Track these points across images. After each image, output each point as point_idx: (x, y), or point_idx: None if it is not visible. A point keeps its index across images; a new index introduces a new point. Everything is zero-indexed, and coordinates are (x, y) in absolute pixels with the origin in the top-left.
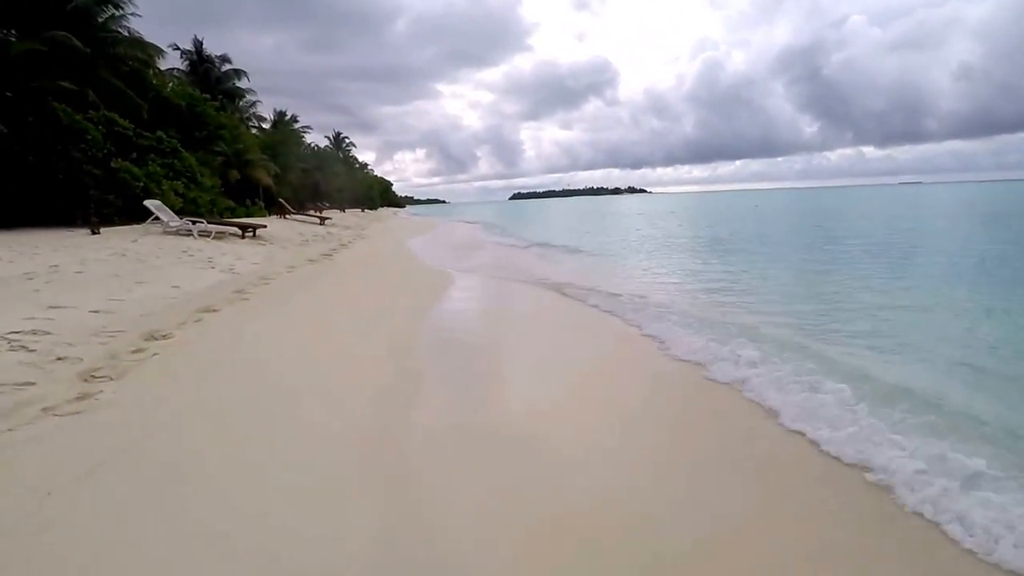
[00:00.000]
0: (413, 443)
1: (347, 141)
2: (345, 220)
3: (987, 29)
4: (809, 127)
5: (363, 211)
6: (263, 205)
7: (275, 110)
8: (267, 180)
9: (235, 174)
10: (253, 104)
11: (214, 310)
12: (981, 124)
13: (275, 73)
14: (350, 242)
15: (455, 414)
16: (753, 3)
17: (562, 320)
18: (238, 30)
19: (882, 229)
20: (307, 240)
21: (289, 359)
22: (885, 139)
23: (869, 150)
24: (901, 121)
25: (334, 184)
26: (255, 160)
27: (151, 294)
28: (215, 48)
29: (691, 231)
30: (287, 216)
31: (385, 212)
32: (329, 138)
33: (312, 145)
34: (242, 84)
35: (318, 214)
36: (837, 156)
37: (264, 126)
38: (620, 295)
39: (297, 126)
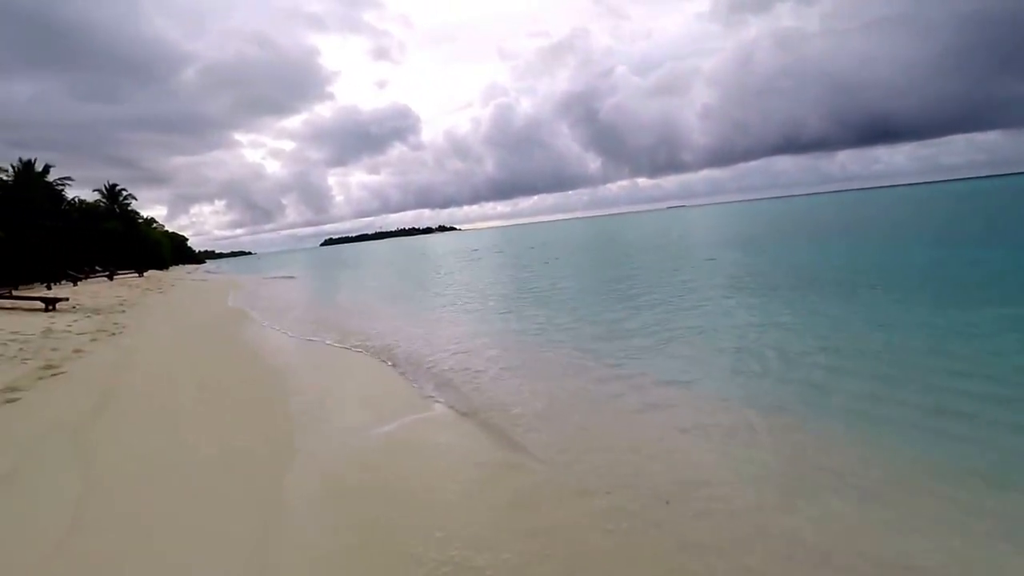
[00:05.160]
0: None
1: (125, 194)
2: (103, 294)
3: (718, 77)
4: (593, 162)
5: (140, 275)
6: None
7: (20, 159)
8: None
9: None
10: None
11: None
12: (725, 155)
13: (37, 124)
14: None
15: None
16: (537, 53)
17: None
18: None
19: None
20: None
21: None
22: (654, 170)
23: (642, 180)
24: (665, 154)
25: (103, 245)
26: None
27: None
28: None
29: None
30: None
31: (175, 273)
32: (101, 191)
33: (74, 200)
34: None
35: (40, 295)
36: (617, 187)
37: (3, 177)
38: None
39: (52, 178)
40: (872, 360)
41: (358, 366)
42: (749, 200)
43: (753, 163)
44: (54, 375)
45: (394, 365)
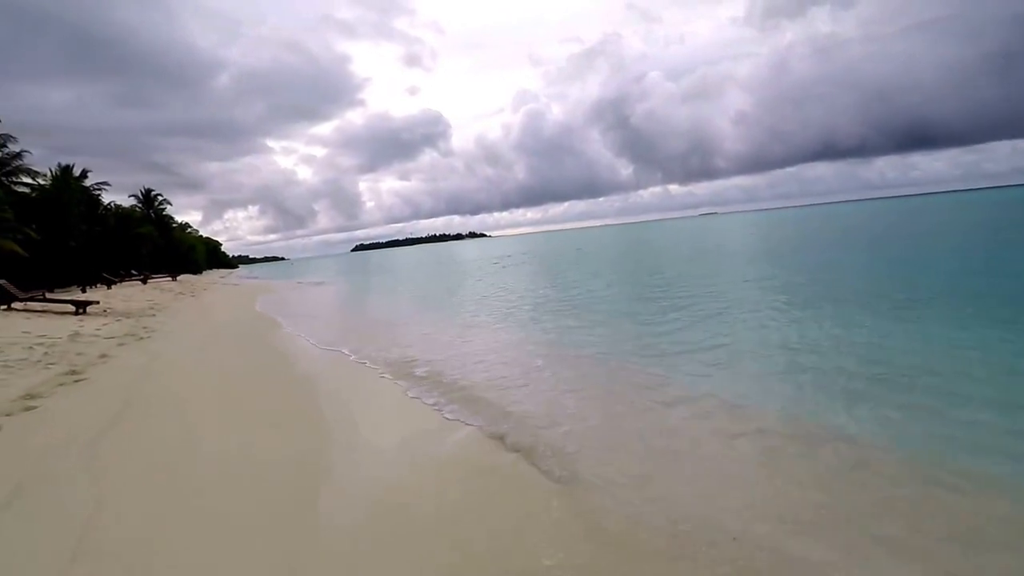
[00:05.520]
0: None
1: (160, 199)
2: (135, 297)
3: (753, 83)
4: (625, 169)
5: (173, 279)
6: None
7: (59, 164)
8: (13, 248)
9: None
10: (18, 155)
11: None
12: (758, 161)
13: (76, 130)
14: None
15: None
16: (568, 59)
17: None
18: (21, 83)
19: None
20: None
21: None
22: (686, 177)
23: (674, 187)
24: (698, 161)
25: (139, 249)
26: None
27: None
28: None
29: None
30: (9, 306)
31: (208, 277)
32: (137, 196)
33: (110, 205)
34: None
35: (71, 298)
36: (648, 194)
37: (41, 182)
38: None
39: (90, 182)
40: (949, 380)
41: (386, 384)
42: (783, 207)
43: (788, 170)
44: (76, 381)
45: (423, 381)
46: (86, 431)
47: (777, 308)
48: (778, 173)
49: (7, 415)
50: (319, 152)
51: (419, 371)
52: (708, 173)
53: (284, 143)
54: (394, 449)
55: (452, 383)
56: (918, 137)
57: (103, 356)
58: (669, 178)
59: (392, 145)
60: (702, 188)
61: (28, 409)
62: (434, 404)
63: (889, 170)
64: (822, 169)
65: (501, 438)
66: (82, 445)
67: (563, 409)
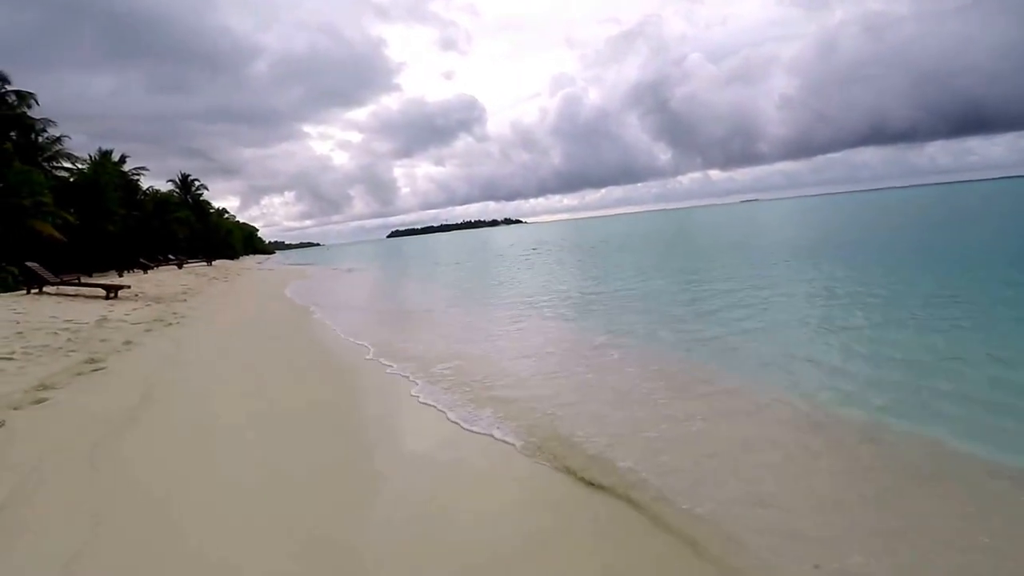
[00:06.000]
0: None
1: (197, 184)
2: (168, 282)
3: (799, 66)
4: (663, 154)
5: (209, 264)
6: (16, 273)
7: (100, 149)
8: (51, 232)
9: None
10: (58, 140)
11: None
12: (803, 146)
13: (116, 117)
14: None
15: None
16: (606, 42)
17: None
18: (64, 70)
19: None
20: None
21: None
22: (727, 162)
23: (715, 173)
24: (739, 146)
25: (176, 234)
26: (29, 205)
27: None
28: (38, 90)
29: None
30: (41, 290)
31: (244, 263)
32: (175, 181)
33: (149, 190)
34: (35, 114)
35: (103, 282)
36: (688, 179)
37: (81, 167)
38: None
39: (128, 167)
40: None
41: (422, 391)
42: (829, 194)
43: (834, 155)
44: (95, 370)
45: (454, 385)
46: (94, 431)
47: (849, 306)
48: (823, 159)
49: (15, 408)
50: (355, 138)
51: (449, 371)
52: (750, 158)
53: (320, 128)
54: (440, 479)
55: (489, 385)
56: (974, 121)
57: (127, 343)
58: (709, 163)
59: (427, 130)
60: (743, 174)
61: (38, 402)
62: (472, 417)
63: (942, 155)
64: (870, 154)
65: (574, 473)
66: (88, 447)
67: (624, 420)
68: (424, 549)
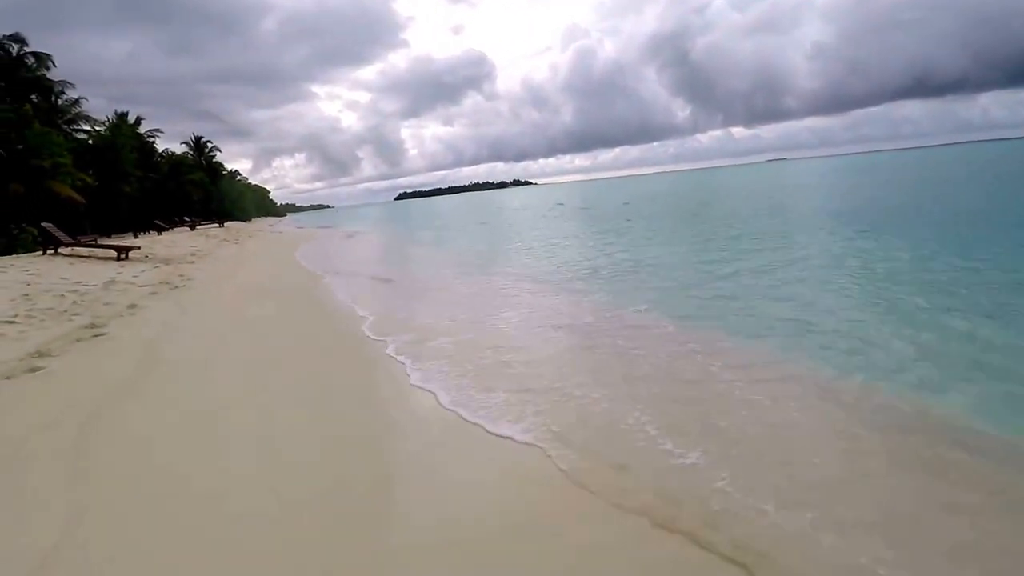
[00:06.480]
0: None
1: (210, 146)
2: (179, 243)
3: (835, 11)
4: (682, 111)
5: (220, 225)
6: (36, 234)
7: (116, 111)
8: (70, 193)
9: (18, 187)
10: (76, 102)
11: None
12: (835, 101)
13: (132, 80)
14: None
15: None
16: None
17: None
18: (82, 33)
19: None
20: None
21: None
22: (751, 119)
23: (738, 130)
24: (764, 101)
25: (191, 196)
26: (49, 167)
27: None
28: (56, 53)
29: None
30: (56, 251)
31: (255, 225)
32: (188, 143)
33: (165, 152)
34: (53, 76)
35: (114, 243)
36: (708, 138)
37: (99, 129)
38: None
39: (143, 129)
40: None
41: (434, 372)
42: (865, 152)
43: (872, 109)
44: (95, 336)
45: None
46: (83, 405)
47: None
48: (859, 113)
49: (7, 378)
50: (362, 97)
51: (454, 345)
52: (776, 114)
53: (328, 88)
54: (459, 482)
55: (503, 366)
56: None
57: (131, 307)
58: (731, 120)
59: (435, 88)
60: (769, 131)
61: (33, 370)
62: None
63: (996, 108)
64: (912, 108)
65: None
66: (74, 427)
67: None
68: (429, 519)
